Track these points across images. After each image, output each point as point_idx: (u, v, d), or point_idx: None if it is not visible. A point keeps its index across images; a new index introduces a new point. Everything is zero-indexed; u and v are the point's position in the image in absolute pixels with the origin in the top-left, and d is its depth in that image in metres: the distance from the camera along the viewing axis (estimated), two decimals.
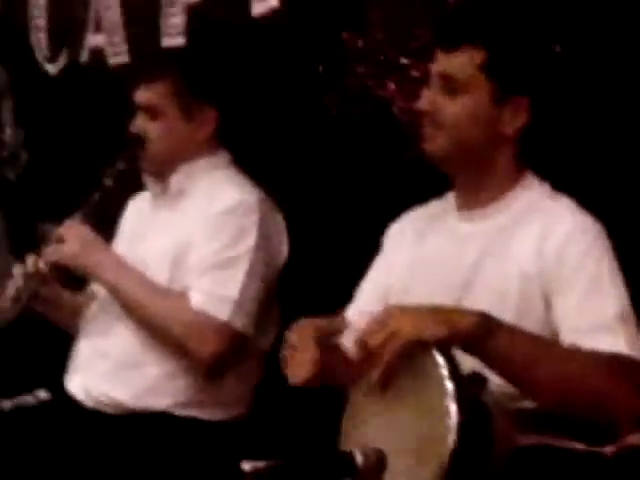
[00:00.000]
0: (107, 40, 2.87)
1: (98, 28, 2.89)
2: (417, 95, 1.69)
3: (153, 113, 2.01)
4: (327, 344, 1.43)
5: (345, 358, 1.46)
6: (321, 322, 1.45)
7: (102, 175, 2.08)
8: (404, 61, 2.12)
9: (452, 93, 1.49)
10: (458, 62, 1.50)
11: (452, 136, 1.50)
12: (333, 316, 1.54)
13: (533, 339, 1.38)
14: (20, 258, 2.14)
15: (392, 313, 1.32)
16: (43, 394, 2.13)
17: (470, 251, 1.54)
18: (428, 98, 1.54)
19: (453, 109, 1.50)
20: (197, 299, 1.91)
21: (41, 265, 2.00)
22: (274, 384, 1.78)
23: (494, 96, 1.47)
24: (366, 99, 2.18)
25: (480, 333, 1.28)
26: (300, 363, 1.44)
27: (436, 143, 1.52)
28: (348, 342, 1.41)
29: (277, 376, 1.56)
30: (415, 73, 2.09)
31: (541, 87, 1.58)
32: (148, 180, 2.13)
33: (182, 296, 1.94)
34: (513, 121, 1.49)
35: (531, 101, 1.51)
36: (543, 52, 1.79)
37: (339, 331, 1.45)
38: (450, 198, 1.63)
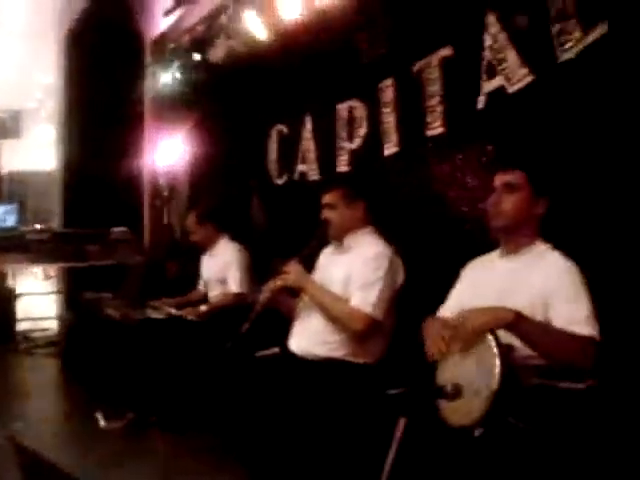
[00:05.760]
0: (307, 167, 3.88)
1: (303, 161, 3.89)
2: None
3: (331, 207, 2.75)
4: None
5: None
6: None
7: (310, 240, 2.82)
8: None
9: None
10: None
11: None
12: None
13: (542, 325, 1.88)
14: (260, 281, 2.90)
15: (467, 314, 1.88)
16: (276, 349, 2.82)
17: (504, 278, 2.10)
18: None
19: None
20: (356, 302, 2.58)
21: (277, 284, 2.75)
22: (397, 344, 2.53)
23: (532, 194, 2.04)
24: None
25: (515, 321, 1.78)
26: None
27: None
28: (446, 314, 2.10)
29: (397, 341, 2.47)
30: None
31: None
32: (333, 242, 2.86)
33: (347, 300, 2.60)
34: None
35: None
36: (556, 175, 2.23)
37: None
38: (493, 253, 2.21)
